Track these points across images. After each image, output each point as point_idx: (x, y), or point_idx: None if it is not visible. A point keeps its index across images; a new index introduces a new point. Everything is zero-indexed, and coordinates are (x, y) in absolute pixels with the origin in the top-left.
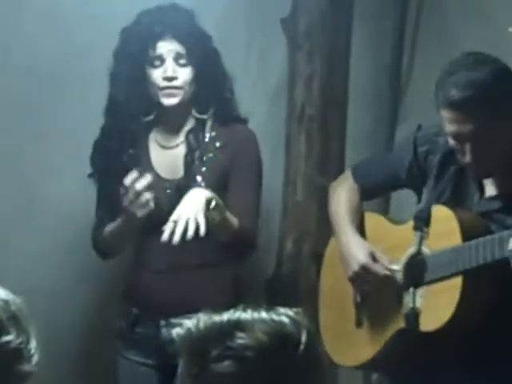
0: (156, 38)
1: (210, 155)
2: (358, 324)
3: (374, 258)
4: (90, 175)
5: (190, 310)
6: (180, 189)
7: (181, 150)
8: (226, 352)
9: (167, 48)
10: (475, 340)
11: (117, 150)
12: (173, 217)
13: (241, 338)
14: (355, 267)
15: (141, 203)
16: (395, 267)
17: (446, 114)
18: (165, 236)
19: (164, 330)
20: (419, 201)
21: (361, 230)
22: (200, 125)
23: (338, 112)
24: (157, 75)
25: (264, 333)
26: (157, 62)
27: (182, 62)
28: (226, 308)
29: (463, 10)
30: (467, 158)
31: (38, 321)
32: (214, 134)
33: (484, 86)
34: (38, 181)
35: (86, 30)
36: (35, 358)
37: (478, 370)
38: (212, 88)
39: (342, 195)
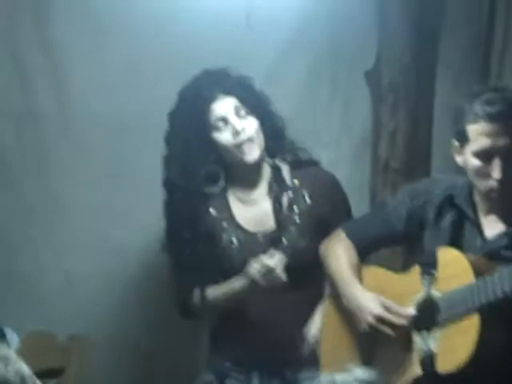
0: (208, 101)
1: (301, 206)
2: None
3: (386, 308)
4: (163, 249)
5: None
6: (273, 241)
7: (265, 202)
8: None
9: (224, 106)
10: (495, 376)
11: (189, 226)
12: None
13: None
14: (369, 319)
15: (272, 277)
16: (411, 312)
17: (478, 127)
18: None
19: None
20: (414, 253)
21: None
22: (276, 172)
23: (422, 164)
24: (225, 136)
25: None
26: (220, 124)
27: (242, 113)
28: None
29: None
30: (496, 174)
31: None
32: (296, 182)
33: None
34: (115, 230)
35: (162, 83)
36: None
37: None
38: (273, 132)
39: (340, 253)
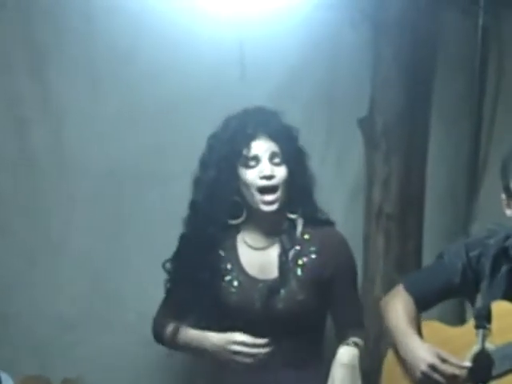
0: (249, 138)
1: (305, 259)
2: None
3: (441, 359)
4: (164, 268)
5: None
6: (273, 289)
7: (272, 251)
8: None
9: (262, 147)
10: None
11: (201, 253)
12: None
13: None
14: (423, 368)
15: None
16: (466, 364)
17: None
18: None
19: None
20: (472, 305)
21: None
22: (291, 225)
23: (415, 211)
24: (253, 176)
25: None
26: (252, 163)
27: (277, 160)
28: None
29: None
30: None
31: None
32: (306, 236)
33: None
34: (115, 280)
35: (156, 132)
36: None
37: None
38: (301, 187)
39: (399, 307)
